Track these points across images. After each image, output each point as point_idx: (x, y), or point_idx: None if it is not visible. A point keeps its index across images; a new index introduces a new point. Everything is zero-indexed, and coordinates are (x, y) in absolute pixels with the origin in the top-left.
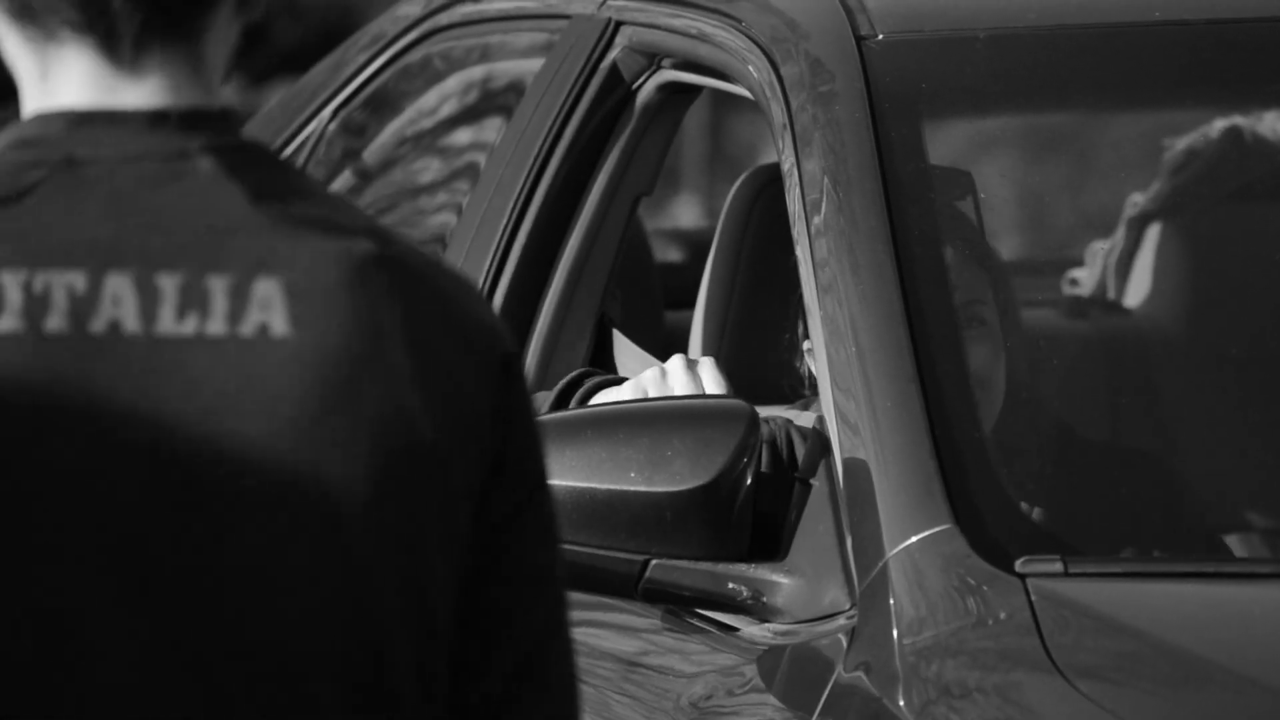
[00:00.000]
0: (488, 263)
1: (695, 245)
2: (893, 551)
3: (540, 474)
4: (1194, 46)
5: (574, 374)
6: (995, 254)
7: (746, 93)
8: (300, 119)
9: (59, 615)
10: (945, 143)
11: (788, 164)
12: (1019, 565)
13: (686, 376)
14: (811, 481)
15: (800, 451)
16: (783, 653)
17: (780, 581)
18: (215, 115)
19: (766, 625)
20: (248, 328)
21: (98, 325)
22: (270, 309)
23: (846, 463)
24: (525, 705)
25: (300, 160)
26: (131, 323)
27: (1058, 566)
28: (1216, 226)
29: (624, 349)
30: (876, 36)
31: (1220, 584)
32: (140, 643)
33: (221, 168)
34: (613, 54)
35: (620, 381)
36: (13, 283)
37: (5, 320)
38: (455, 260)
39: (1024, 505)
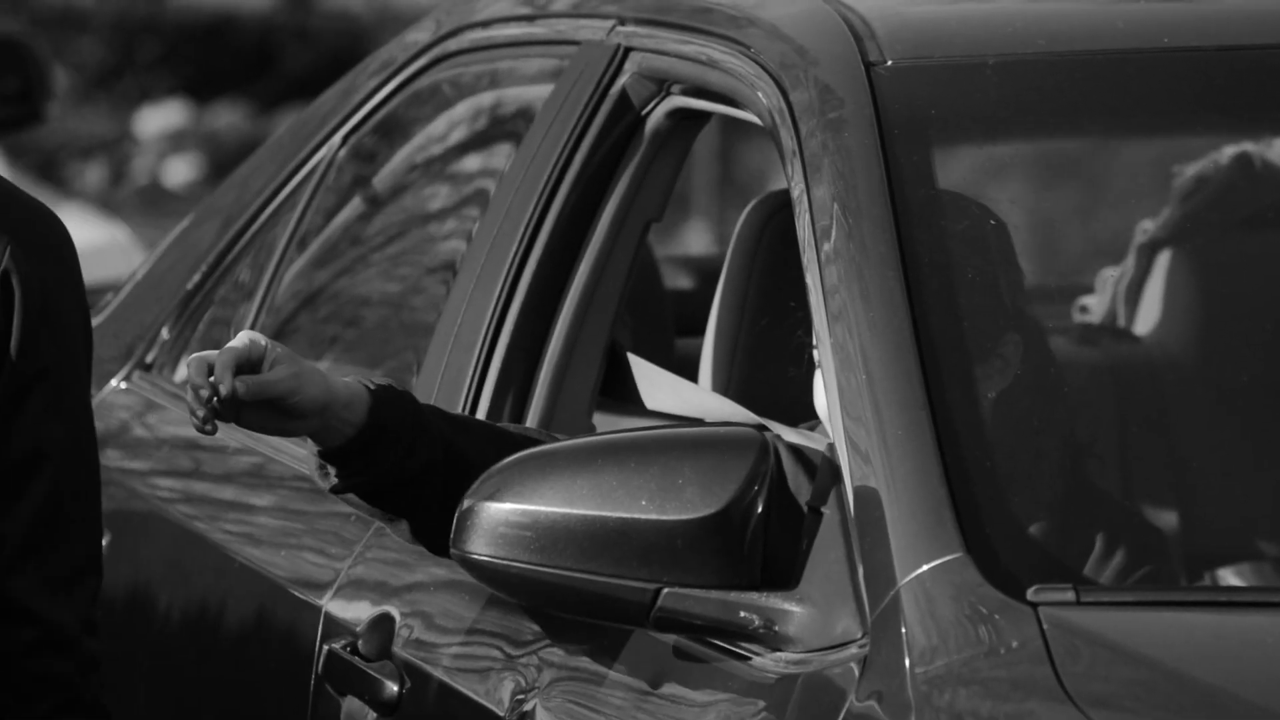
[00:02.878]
0: (498, 289)
1: (705, 272)
2: (904, 580)
3: (42, 364)
4: (1204, 73)
5: None
6: (1006, 280)
7: (756, 119)
8: (310, 145)
9: None
10: (955, 169)
11: (797, 190)
12: (1031, 594)
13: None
14: (822, 510)
15: (789, 468)
16: (795, 682)
17: (792, 610)
18: None
19: (778, 654)
20: None
21: None
22: None
23: (857, 491)
24: (37, 560)
25: (310, 187)
26: None
27: (1070, 595)
28: (1226, 253)
29: (644, 373)
30: (886, 63)
31: (1233, 613)
32: None
33: None
34: (622, 80)
35: None
36: None
37: None
38: (465, 287)
39: (1031, 527)
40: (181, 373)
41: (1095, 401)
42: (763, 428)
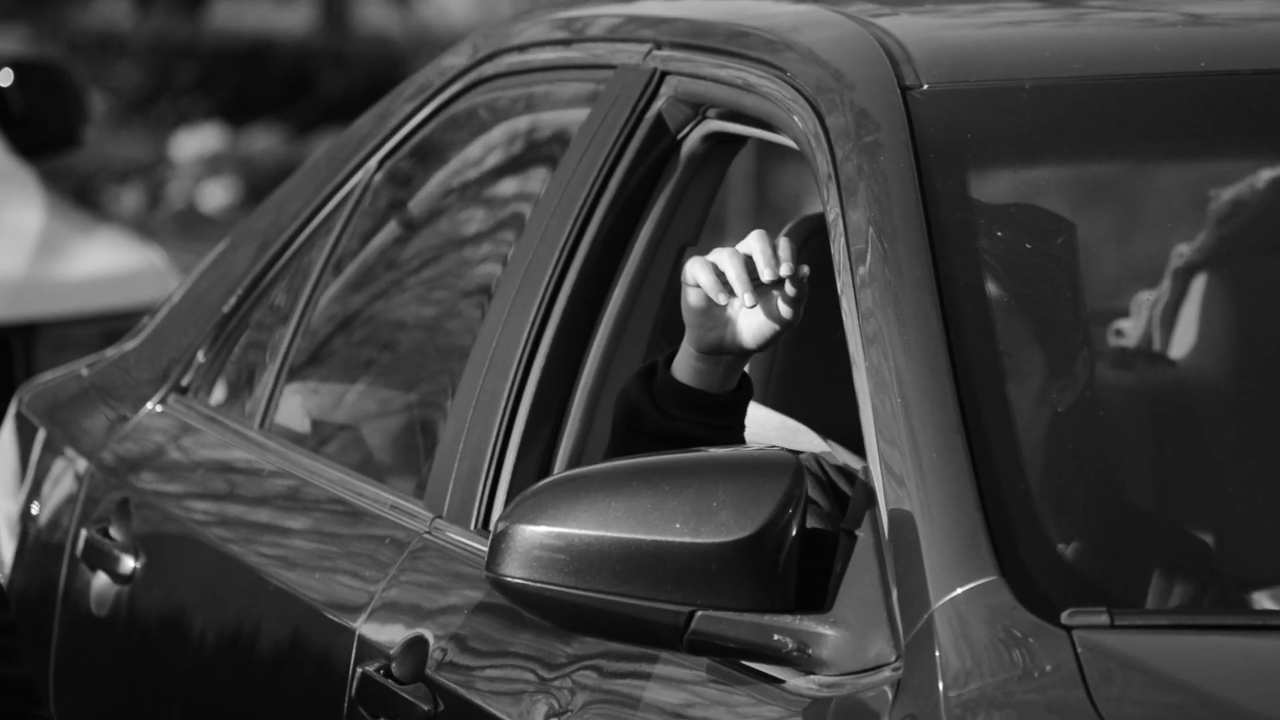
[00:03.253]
0: (533, 313)
1: None
2: (938, 603)
3: None
4: (1240, 96)
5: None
6: (1044, 304)
7: (792, 143)
8: (346, 169)
9: None
10: (991, 193)
11: (833, 214)
12: (1065, 617)
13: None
14: (856, 533)
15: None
16: (828, 705)
17: (826, 633)
18: None
19: (812, 677)
20: None
21: None
22: None
23: (892, 514)
24: None
25: (346, 211)
26: None
27: (1104, 619)
28: (1262, 277)
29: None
30: (922, 87)
31: (1268, 637)
32: None
33: None
34: (658, 104)
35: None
36: None
37: None
38: (500, 311)
39: (1065, 550)
40: (218, 395)
41: (1131, 425)
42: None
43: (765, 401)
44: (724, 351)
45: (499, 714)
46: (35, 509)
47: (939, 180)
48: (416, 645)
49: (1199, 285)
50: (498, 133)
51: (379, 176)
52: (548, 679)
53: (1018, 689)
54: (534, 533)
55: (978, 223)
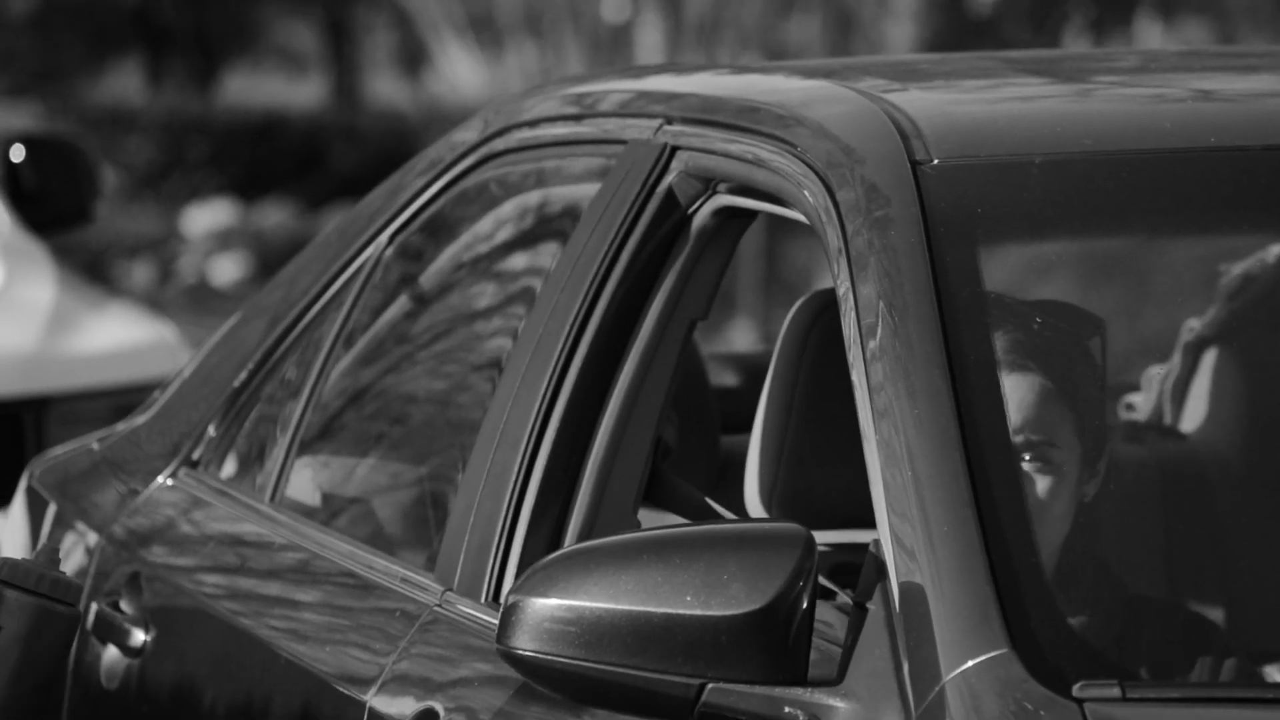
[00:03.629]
0: (543, 387)
1: (751, 370)
2: (949, 676)
3: None
4: (1250, 172)
5: None
6: (1054, 377)
7: (802, 217)
8: (358, 243)
9: None
10: (1001, 268)
11: (843, 288)
12: (1076, 690)
13: None
14: (868, 605)
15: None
16: None
17: (837, 706)
18: None
19: None
20: None
21: None
22: None
23: (903, 587)
24: None
25: (357, 285)
26: None
27: (1115, 691)
28: (1273, 352)
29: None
30: (932, 161)
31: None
32: None
33: None
34: (668, 179)
35: None
36: None
37: None
38: (511, 385)
39: (1076, 623)
40: (229, 469)
41: (1141, 498)
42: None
43: (777, 474)
44: None
45: None
46: None
47: (949, 255)
48: (427, 718)
49: (1209, 360)
50: (509, 207)
51: (390, 251)
52: None
53: None
54: (545, 605)
55: (988, 297)
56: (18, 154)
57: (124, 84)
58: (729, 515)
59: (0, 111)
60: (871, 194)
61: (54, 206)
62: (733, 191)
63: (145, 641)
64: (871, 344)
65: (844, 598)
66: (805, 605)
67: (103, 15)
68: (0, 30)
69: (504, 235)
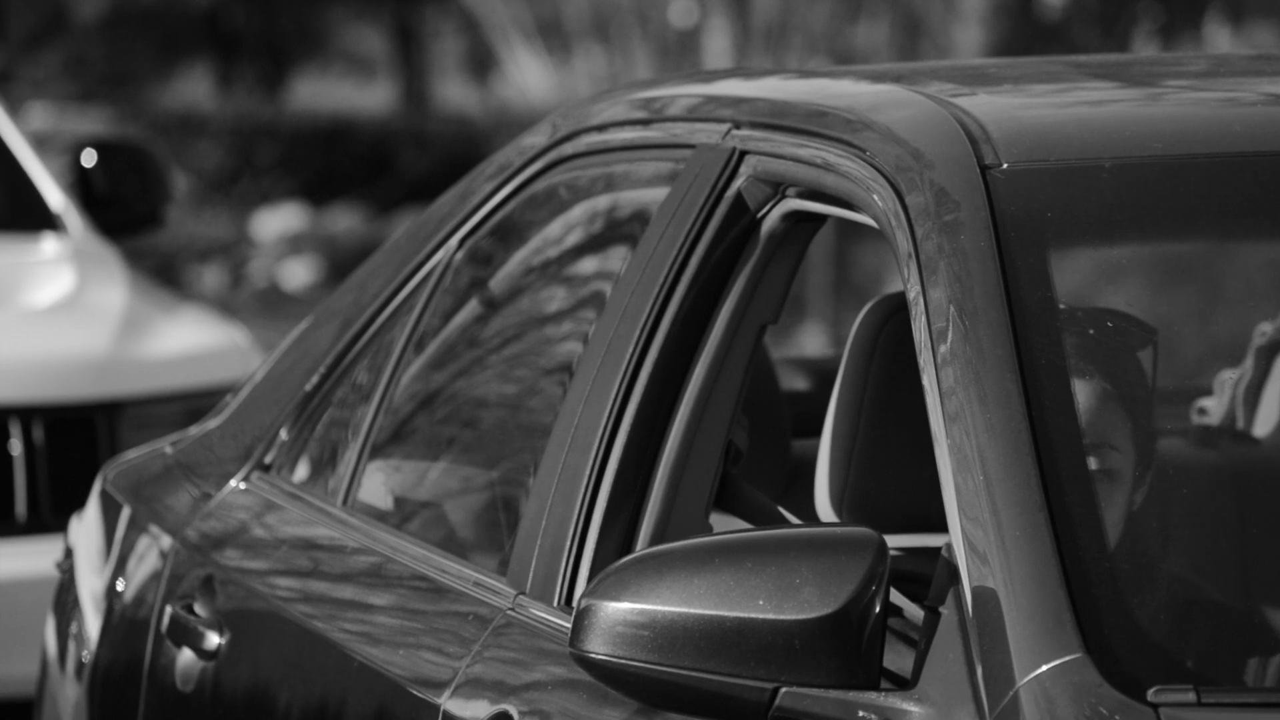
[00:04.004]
0: (614, 392)
1: (821, 374)
2: (1023, 680)
3: None
4: None
5: None
6: (1124, 382)
7: (872, 222)
8: (428, 248)
9: None
10: (1071, 271)
11: (913, 292)
12: (1151, 695)
13: None
14: (941, 610)
15: None
16: None
17: (911, 710)
18: None
19: None
20: None
21: None
22: None
23: (976, 591)
24: None
25: (427, 289)
26: None
27: (1191, 696)
28: None
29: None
30: (1001, 165)
31: None
32: None
33: None
34: (737, 183)
35: None
36: None
37: None
38: (582, 389)
39: (1151, 627)
40: (301, 473)
41: (1214, 502)
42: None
43: (847, 479)
44: None
45: None
46: (121, 586)
47: (1019, 258)
48: None
49: None
50: (578, 211)
51: (460, 255)
52: None
53: None
54: (617, 609)
55: (1058, 300)
56: (89, 159)
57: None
58: (797, 522)
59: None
60: (941, 198)
61: (125, 211)
62: (802, 196)
63: (219, 645)
64: (942, 348)
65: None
66: (878, 609)
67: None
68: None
69: (573, 239)
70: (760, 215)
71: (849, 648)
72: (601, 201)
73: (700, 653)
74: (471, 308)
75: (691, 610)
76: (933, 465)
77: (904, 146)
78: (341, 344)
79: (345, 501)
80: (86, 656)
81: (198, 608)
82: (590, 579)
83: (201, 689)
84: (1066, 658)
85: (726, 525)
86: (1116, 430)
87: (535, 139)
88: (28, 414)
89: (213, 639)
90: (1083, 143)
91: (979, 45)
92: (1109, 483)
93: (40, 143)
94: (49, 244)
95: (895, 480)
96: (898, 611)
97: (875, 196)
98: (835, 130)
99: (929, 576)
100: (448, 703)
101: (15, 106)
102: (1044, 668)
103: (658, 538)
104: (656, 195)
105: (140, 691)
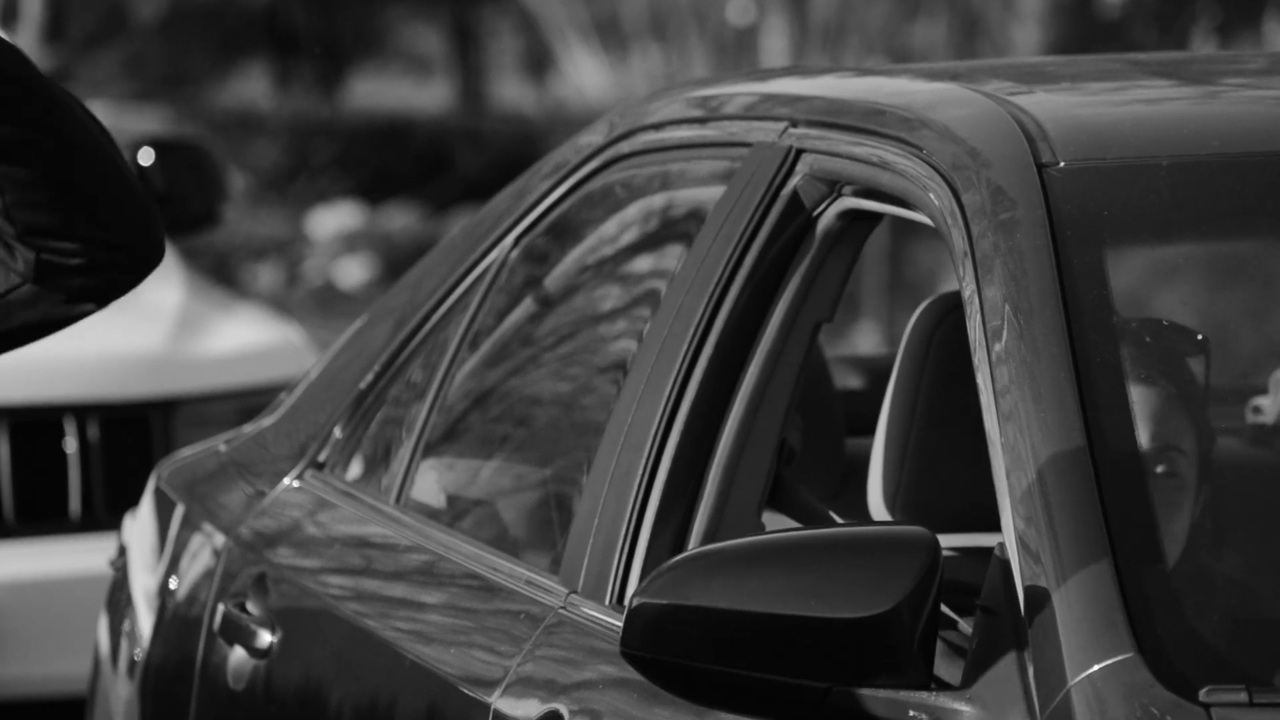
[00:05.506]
0: (668, 389)
1: (876, 372)
2: (1075, 680)
3: None
4: None
5: None
6: (1179, 381)
7: (927, 220)
8: (483, 246)
9: None
10: (1127, 270)
11: (968, 291)
12: (1203, 695)
13: None
14: (993, 609)
15: None
16: None
17: (962, 710)
18: None
19: None
20: None
21: None
22: None
23: (1028, 591)
24: None
25: (482, 288)
26: None
27: (1243, 696)
28: None
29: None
30: (1058, 164)
31: None
32: None
33: None
34: (793, 181)
35: None
36: None
37: None
38: (636, 387)
39: (1203, 627)
40: (354, 471)
41: (1267, 501)
42: None
43: (901, 478)
44: None
45: None
46: (173, 584)
47: (1075, 257)
48: None
49: None
50: (633, 210)
51: (515, 253)
52: None
53: None
54: (669, 608)
55: (1114, 299)
56: (146, 157)
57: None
58: (849, 523)
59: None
60: (997, 196)
61: (182, 209)
62: (858, 194)
63: (272, 643)
64: (997, 347)
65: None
66: (929, 609)
67: (231, 20)
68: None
69: (629, 238)
70: (816, 213)
71: (901, 647)
72: (657, 200)
73: (752, 652)
74: (526, 306)
75: (743, 609)
76: (987, 464)
77: (961, 145)
78: (396, 342)
79: (398, 500)
80: (139, 654)
81: (250, 606)
82: (642, 578)
83: (253, 687)
84: (1118, 658)
85: (779, 525)
86: (1171, 429)
87: (592, 137)
88: (83, 411)
89: (265, 637)
90: (1140, 141)
91: (1037, 44)
92: (1163, 482)
93: None
94: None
95: (949, 479)
96: (949, 624)
97: (931, 195)
98: (892, 128)
99: (978, 586)
100: (498, 701)
101: None
102: (1095, 668)
103: (710, 537)
104: (712, 193)
105: (192, 690)
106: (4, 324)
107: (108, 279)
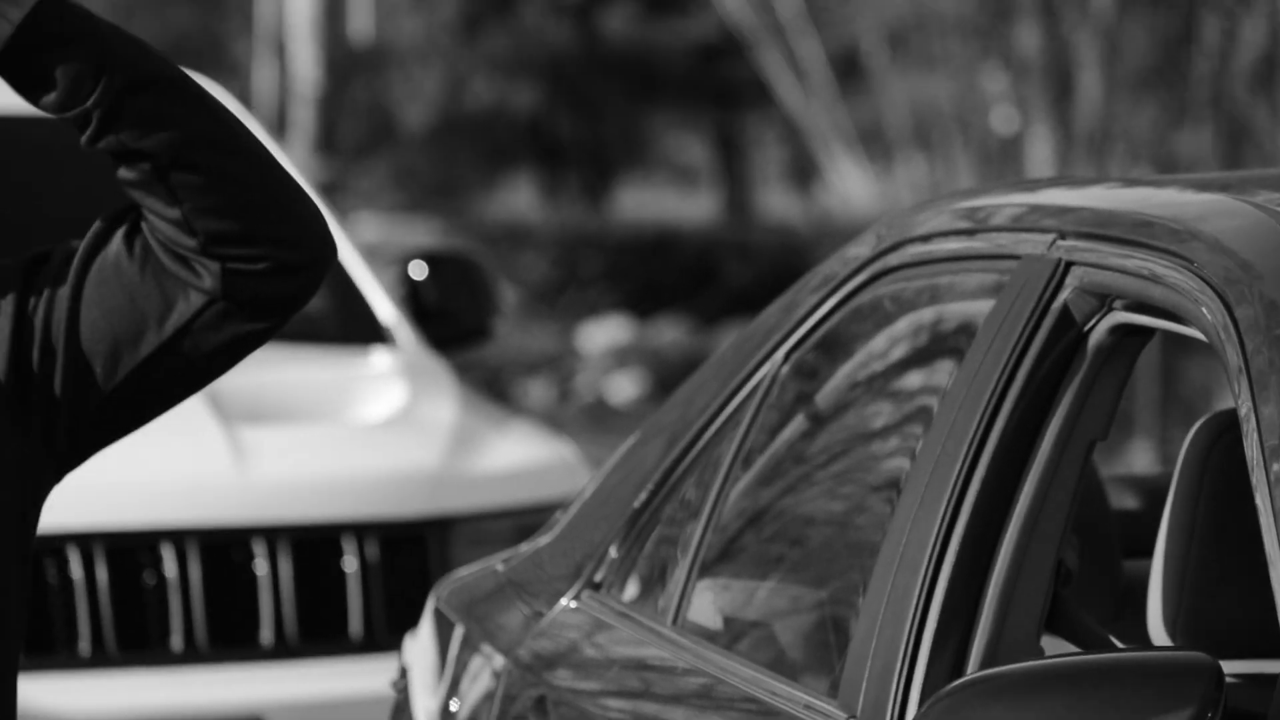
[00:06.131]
0: (942, 509)
1: (1152, 492)
2: None
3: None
4: None
5: None
6: None
7: (1200, 335)
8: (753, 361)
9: None
10: None
11: (1244, 408)
12: None
13: None
14: None
15: None
16: None
17: None
18: None
19: None
20: None
21: None
22: None
23: None
24: None
25: (754, 403)
26: None
27: None
28: None
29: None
30: None
31: None
32: None
33: None
34: (1063, 295)
35: None
36: None
37: None
38: (910, 506)
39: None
40: (631, 591)
41: None
42: None
43: (1180, 601)
44: None
45: None
46: (454, 705)
47: None
48: None
49: None
50: (903, 324)
51: (786, 369)
52: None
53: None
54: None
55: None
56: (418, 271)
57: (518, 199)
58: (1128, 647)
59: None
60: (1271, 311)
61: (454, 323)
62: (1129, 308)
63: None
64: (1275, 467)
65: None
66: None
67: (498, 131)
68: (398, 146)
69: (899, 352)
70: (1087, 328)
71: None
72: (926, 314)
73: None
74: (798, 423)
75: None
76: (1269, 587)
77: (1232, 258)
78: (669, 460)
79: (675, 621)
80: None
81: None
82: (921, 702)
83: None
84: None
85: (1057, 648)
86: None
87: (859, 250)
88: (361, 530)
89: None
90: None
91: None
92: None
93: (370, 254)
94: (380, 357)
95: (1231, 602)
96: None
97: (1204, 309)
98: (1161, 241)
99: (1262, 714)
100: None
101: (345, 217)
102: None
103: (989, 660)
104: (982, 307)
105: None
106: (195, 353)
107: (293, 283)
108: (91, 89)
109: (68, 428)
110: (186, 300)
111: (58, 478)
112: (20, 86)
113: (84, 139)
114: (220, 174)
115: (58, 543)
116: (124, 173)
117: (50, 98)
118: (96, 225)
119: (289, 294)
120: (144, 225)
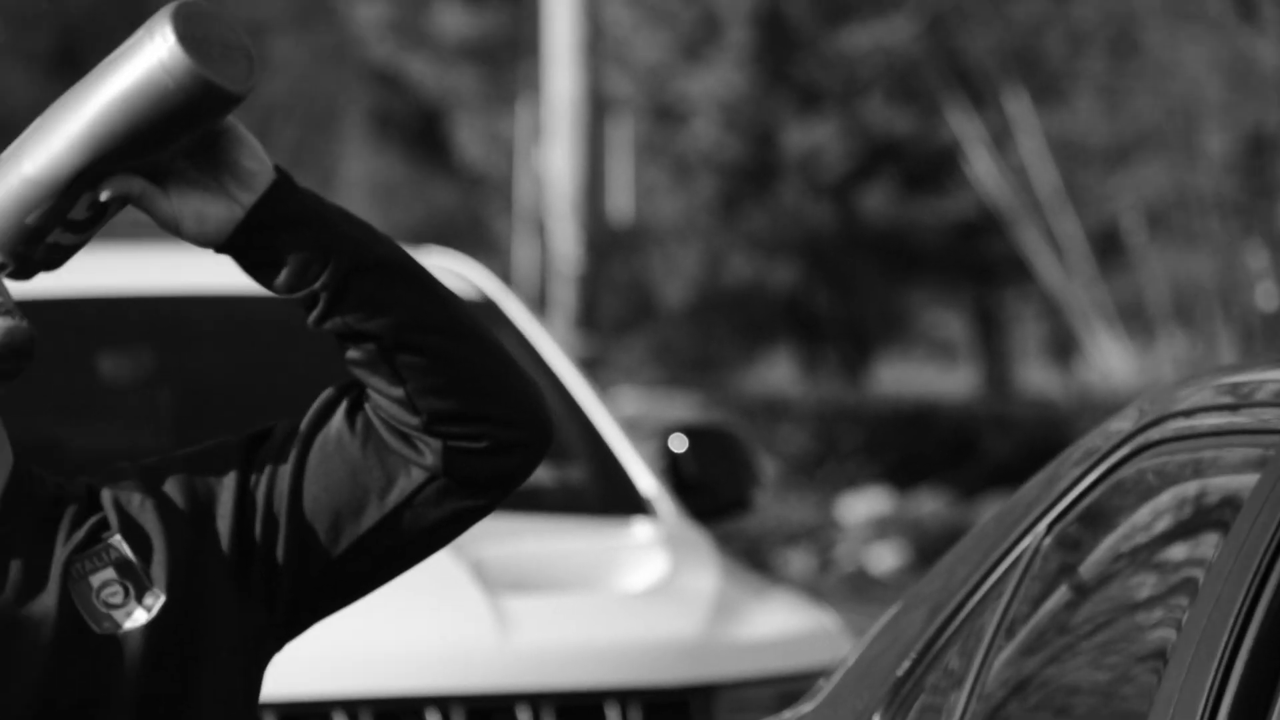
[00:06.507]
0: (1209, 680)
1: None
2: None
3: (234, 460)
4: None
5: None
6: None
7: None
8: (1016, 533)
9: None
10: None
11: None
12: None
13: None
14: None
15: None
16: None
17: None
18: None
19: None
20: None
21: None
22: None
23: None
24: None
25: (1016, 575)
26: None
27: None
28: None
29: None
30: None
31: None
32: None
33: None
34: None
35: None
36: None
37: None
38: (1176, 679)
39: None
40: None
41: None
42: None
43: None
44: None
45: None
46: None
47: None
48: None
49: None
50: (1166, 497)
51: (1048, 540)
52: None
53: None
54: None
55: None
56: (679, 444)
57: (778, 374)
58: None
59: (659, 401)
60: None
61: (714, 495)
62: None
63: None
64: None
65: None
66: None
67: (756, 307)
68: (659, 322)
69: (1162, 525)
70: None
71: None
72: (1190, 487)
73: None
74: (1061, 593)
75: None
76: None
77: None
78: (932, 629)
79: None
80: None
81: None
82: None
83: None
84: None
85: None
86: None
87: (1122, 424)
88: (625, 697)
89: None
90: None
91: None
92: None
93: (630, 427)
94: (641, 528)
95: None
96: None
97: None
98: None
99: None
100: None
101: (606, 391)
102: None
103: None
104: (1246, 481)
105: None
106: (415, 527)
107: (512, 461)
108: (319, 272)
109: (289, 599)
110: (408, 476)
111: (278, 646)
112: (248, 267)
113: (310, 319)
114: (444, 356)
115: (325, 709)
116: (349, 353)
117: (279, 279)
118: (320, 402)
119: (508, 471)
120: (366, 403)
